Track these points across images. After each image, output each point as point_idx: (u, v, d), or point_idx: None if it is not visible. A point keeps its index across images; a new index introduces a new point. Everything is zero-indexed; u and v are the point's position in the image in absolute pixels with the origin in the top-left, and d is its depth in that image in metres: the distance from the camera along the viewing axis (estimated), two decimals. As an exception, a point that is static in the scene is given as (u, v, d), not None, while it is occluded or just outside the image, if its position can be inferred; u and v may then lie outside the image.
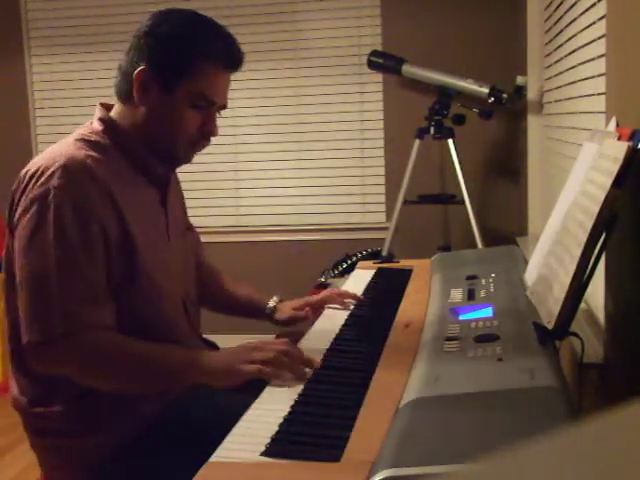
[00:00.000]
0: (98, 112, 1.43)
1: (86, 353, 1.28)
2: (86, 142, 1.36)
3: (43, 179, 1.27)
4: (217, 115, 1.43)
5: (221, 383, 1.27)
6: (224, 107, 1.44)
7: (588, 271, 1.09)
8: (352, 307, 1.64)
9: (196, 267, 1.65)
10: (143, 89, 1.36)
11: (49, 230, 1.25)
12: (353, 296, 1.68)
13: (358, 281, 1.84)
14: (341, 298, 1.67)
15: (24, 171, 1.33)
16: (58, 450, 1.38)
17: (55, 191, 1.25)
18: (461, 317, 1.33)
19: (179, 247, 1.51)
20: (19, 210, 1.29)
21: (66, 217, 1.25)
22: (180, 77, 1.35)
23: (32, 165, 1.32)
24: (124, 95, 1.40)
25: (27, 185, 1.29)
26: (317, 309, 1.67)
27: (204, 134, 1.41)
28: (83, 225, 1.26)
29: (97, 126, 1.40)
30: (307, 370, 1.22)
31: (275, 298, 1.74)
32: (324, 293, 1.72)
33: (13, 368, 1.40)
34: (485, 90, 3.16)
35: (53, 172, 1.27)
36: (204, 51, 1.36)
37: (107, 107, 1.44)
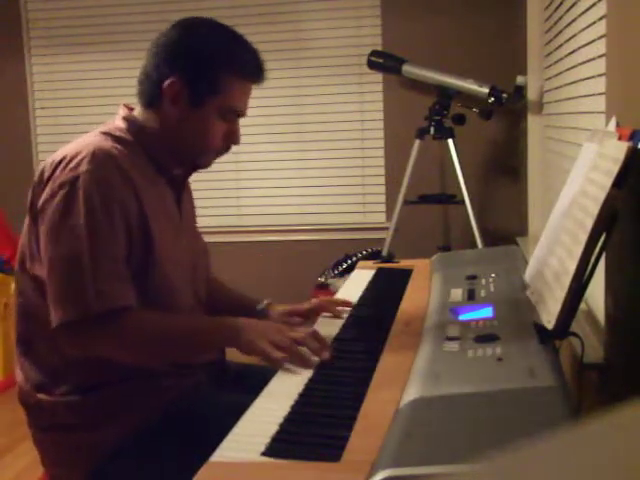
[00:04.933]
0: (121, 111, 1.46)
1: (124, 330, 1.31)
2: (110, 136, 1.40)
3: (72, 165, 1.31)
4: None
5: (241, 351, 1.34)
6: (244, 115, 1.49)
7: (588, 271, 1.09)
8: (345, 315, 1.57)
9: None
10: (173, 101, 1.39)
11: (79, 213, 1.28)
12: (344, 303, 1.63)
13: (358, 281, 1.84)
14: (333, 306, 1.61)
15: (49, 160, 1.36)
16: (60, 446, 1.39)
17: (84, 176, 1.29)
18: (461, 317, 1.32)
19: (190, 248, 1.53)
20: (45, 195, 1.32)
21: (95, 200, 1.29)
22: (211, 93, 1.39)
23: (57, 154, 1.36)
24: (149, 100, 1.43)
25: (54, 172, 1.32)
26: (309, 317, 1.62)
27: (228, 143, 1.47)
28: (109, 209, 1.30)
29: (120, 124, 1.44)
30: (317, 358, 1.25)
31: (265, 301, 1.69)
32: (313, 302, 1.66)
33: (19, 354, 1.42)
34: (485, 90, 3.16)
35: (82, 159, 1.31)
36: (236, 68, 1.40)
37: (129, 108, 1.48)
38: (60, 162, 1.33)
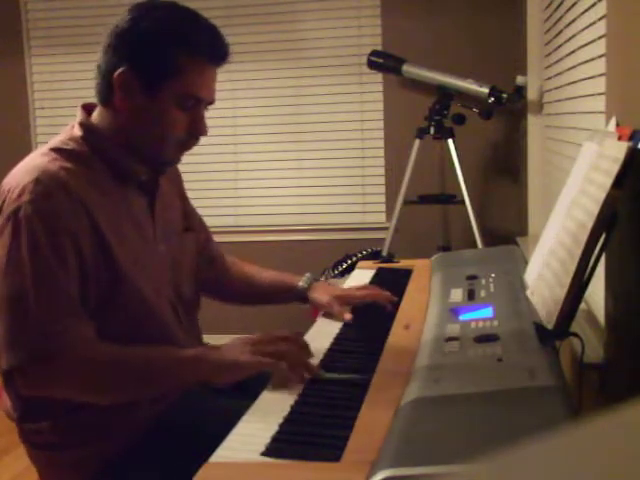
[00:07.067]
0: (79, 115, 1.37)
1: (82, 369, 1.23)
2: (62, 152, 1.30)
3: (15, 195, 1.22)
4: (205, 111, 1.36)
5: (225, 379, 1.25)
6: (211, 103, 1.36)
7: (588, 271, 1.09)
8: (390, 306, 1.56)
9: (208, 264, 1.63)
10: (125, 92, 1.30)
11: (23, 248, 1.20)
12: (391, 298, 1.59)
13: (358, 281, 1.84)
14: (381, 298, 1.58)
15: (1, 187, 1.29)
16: (53, 462, 1.36)
17: (25, 207, 1.20)
18: (461, 317, 1.32)
19: (170, 251, 1.45)
20: None
21: (38, 232, 1.20)
22: (164, 77, 1.28)
23: (6, 182, 1.28)
24: (105, 98, 1.34)
25: (3, 202, 1.25)
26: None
27: (193, 134, 1.34)
28: (55, 239, 1.21)
29: (77, 132, 1.35)
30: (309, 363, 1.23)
31: (309, 275, 1.66)
32: (366, 293, 1.62)
33: (3, 384, 1.34)
34: (485, 90, 3.16)
35: (24, 187, 1.22)
36: (187, 47, 1.28)
37: (89, 108, 1.39)
38: (8, 191, 1.24)
